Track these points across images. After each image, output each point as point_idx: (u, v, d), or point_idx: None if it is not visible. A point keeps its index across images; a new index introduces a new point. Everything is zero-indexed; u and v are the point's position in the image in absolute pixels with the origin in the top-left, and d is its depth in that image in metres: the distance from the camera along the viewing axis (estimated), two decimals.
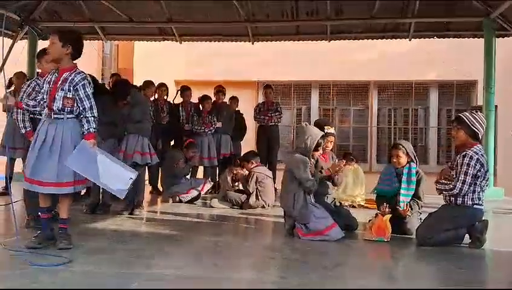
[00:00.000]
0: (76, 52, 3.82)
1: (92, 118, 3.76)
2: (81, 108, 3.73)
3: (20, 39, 9.87)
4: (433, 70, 11.68)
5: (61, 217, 3.80)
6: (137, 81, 9.64)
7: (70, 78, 3.73)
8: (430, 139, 12.35)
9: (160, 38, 10.27)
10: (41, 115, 3.93)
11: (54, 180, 3.60)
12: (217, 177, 8.20)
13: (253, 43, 9.99)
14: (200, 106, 8.09)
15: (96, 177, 3.72)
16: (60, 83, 3.71)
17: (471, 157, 4.24)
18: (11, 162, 6.43)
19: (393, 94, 12.59)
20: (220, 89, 8.43)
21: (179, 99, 8.29)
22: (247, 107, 9.53)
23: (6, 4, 8.45)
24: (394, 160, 4.98)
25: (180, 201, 6.81)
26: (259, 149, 8.52)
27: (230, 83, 10.03)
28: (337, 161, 5.19)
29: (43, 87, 3.83)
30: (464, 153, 4.30)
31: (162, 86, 7.92)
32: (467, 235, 4.39)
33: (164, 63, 11.96)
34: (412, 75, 11.95)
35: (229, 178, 6.96)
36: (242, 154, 7.43)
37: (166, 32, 10.08)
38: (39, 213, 4.29)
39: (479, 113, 4.51)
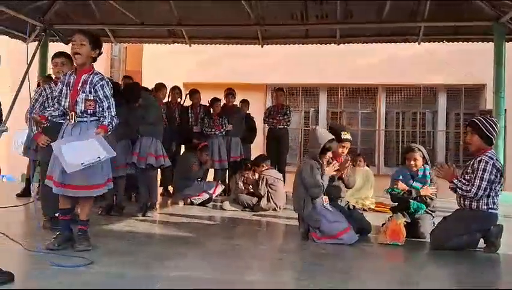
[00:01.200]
0: (98, 57, 3.88)
1: (110, 116, 3.77)
2: (99, 108, 3.75)
3: (32, 41, 10.03)
4: (441, 73, 11.67)
5: (81, 219, 3.82)
6: (146, 84, 9.70)
7: (89, 79, 3.75)
8: (438, 142, 12.35)
9: (170, 41, 10.32)
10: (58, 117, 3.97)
11: (84, 183, 3.63)
12: (227, 180, 8.23)
13: (262, 46, 10.03)
14: (210, 108, 8.13)
15: (59, 147, 3.55)
16: (80, 85, 3.73)
17: (486, 163, 4.26)
18: (33, 164, 6.50)
19: (401, 98, 12.60)
20: (230, 92, 8.47)
21: (188, 102, 8.34)
22: (255, 110, 9.52)
23: (18, 6, 8.59)
24: (411, 162, 5.01)
25: (192, 203, 6.84)
26: (269, 152, 8.57)
27: (239, 86, 10.05)
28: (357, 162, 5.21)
29: (60, 89, 3.83)
30: (479, 158, 4.32)
31: (175, 89, 8.00)
32: (481, 240, 4.40)
33: (172, 65, 12.01)
34: (420, 79, 11.95)
35: (240, 183, 7.00)
36: (252, 158, 7.46)
37: (176, 35, 10.13)
38: (57, 214, 4.34)
39: (492, 118, 4.54)
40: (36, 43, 3.25)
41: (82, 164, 3.48)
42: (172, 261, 3.69)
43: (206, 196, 6.92)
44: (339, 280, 3.38)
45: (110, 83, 3.88)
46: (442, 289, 3.32)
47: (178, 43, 10.28)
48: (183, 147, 8.29)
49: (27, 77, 3.29)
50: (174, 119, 7.81)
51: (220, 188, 7.24)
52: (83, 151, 3.52)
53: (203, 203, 6.90)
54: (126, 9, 9.03)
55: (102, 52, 3.93)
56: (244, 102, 8.82)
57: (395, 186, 5.00)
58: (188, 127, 8.06)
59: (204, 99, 8.29)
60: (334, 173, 4.77)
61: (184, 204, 6.93)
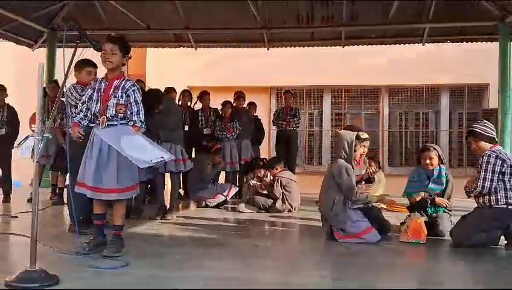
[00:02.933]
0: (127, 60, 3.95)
1: (139, 121, 3.81)
2: (129, 112, 3.78)
3: (38, 47, 10.08)
4: (444, 74, 11.79)
5: (116, 223, 3.83)
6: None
7: (121, 85, 3.80)
8: (441, 142, 12.43)
9: (176, 45, 10.41)
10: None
11: (115, 186, 3.66)
12: (237, 182, 8.29)
13: (268, 49, 10.13)
14: (221, 111, 8.20)
15: (117, 143, 3.52)
16: (111, 90, 3.78)
17: (488, 156, 4.37)
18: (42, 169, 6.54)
19: (404, 98, 12.71)
20: (240, 95, 8.53)
21: (198, 105, 8.39)
22: (259, 112, 9.55)
23: (26, 12, 8.64)
24: (427, 162, 5.08)
25: (207, 206, 6.91)
26: (278, 154, 8.63)
27: (243, 88, 10.09)
28: (368, 166, 5.29)
29: (90, 95, 3.88)
30: (483, 153, 4.44)
31: (186, 92, 8.05)
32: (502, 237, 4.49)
33: (176, 68, 12.06)
34: (422, 79, 12.06)
35: (253, 181, 7.05)
36: (266, 161, 7.51)
37: (182, 39, 10.20)
38: (81, 217, 4.40)
39: (484, 121, 4.70)
40: (61, 49, 3.29)
41: (151, 160, 3.50)
42: (203, 262, 3.74)
43: (221, 198, 6.99)
44: (372, 280, 3.45)
45: (140, 90, 3.94)
46: (477, 289, 3.37)
47: (184, 47, 10.36)
48: (193, 150, 8.34)
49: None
50: (186, 123, 7.85)
51: (233, 190, 7.31)
52: (143, 148, 3.55)
53: (217, 206, 6.97)
54: (133, 14, 9.09)
55: (131, 56, 3.99)
56: (252, 104, 8.92)
57: (412, 198, 5.10)
58: (198, 129, 8.12)
59: (219, 103, 8.35)
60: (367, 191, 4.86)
61: (198, 206, 7.00)
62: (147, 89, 6.17)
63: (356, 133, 4.83)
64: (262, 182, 6.89)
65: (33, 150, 7.09)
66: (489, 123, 4.60)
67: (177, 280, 3.25)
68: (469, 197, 4.62)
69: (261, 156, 9.01)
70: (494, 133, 4.54)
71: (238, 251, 4.28)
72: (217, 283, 3.19)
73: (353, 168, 4.88)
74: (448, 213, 5.13)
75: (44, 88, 6.73)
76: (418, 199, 5.04)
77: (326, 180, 4.77)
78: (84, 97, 3.93)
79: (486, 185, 4.32)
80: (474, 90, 12.26)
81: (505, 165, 4.35)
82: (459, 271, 3.87)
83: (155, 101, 5.63)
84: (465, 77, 11.47)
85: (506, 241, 4.44)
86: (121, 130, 3.69)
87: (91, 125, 3.86)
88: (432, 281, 3.48)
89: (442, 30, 9.44)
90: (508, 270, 3.83)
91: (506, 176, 4.36)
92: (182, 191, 7.97)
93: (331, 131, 12.72)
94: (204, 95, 8.30)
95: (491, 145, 4.49)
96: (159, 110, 5.70)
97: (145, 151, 3.54)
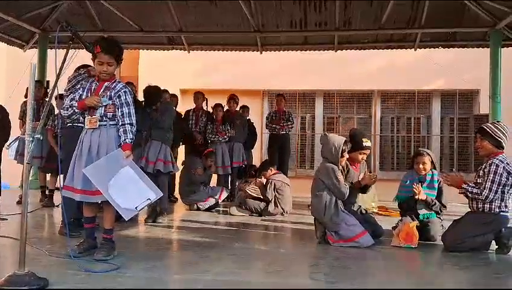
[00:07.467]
0: None
1: (129, 126, 3.75)
2: (119, 114, 3.74)
3: (30, 48, 10.01)
4: (435, 79, 11.87)
5: (106, 227, 3.79)
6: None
7: (112, 86, 3.79)
8: (432, 147, 12.50)
9: (169, 48, 10.38)
10: (79, 121, 4.06)
11: None
12: (229, 185, 8.27)
13: (261, 53, 10.13)
14: (213, 114, 8.18)
15: (105, 190, 3.53)
16: (101, 91, 3.77)
17: (497, 166, 4.37)
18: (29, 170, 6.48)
19: (396, 103, 12.76)
20: (232, 97, 8.52)
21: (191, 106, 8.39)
22: (252, 115, 9.53)
23: (19, 13, 8.59)
24: (420, 166, 5.09)
25: (198, 209, 6.89)
26: (271, 157, 8.62)
27: (236, 92, 10.08)
28: (367, 171, 5.28)
29: (80, 95, 3.84)
30: (490, 161, 4.43)
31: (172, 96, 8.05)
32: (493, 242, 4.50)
33: (170, 71, 12.01)
34: (414, 84, 12.13)
35: (242, 192, 7.02)
36: (258, 165, 7.50)
37: (175, 42, 10.18)
38: (81, 222, 4.35)
39: (500, 123, 4.67)
40: (54, 50, 3.25)
41: (136, 208, 3.59)
42: (201, 265, 3.70)
43: (212, 201, 6.97)
44: (368, 283, 3.45)
45: (132, 92, 3.92)
46: (472, 289, 3.39)
47: (177, 49, 10.34)
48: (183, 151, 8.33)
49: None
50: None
51: (225, 193, 7.28)
52: (130, 190, 3.58)
53: (209, 209, 6.94)
54: (126, 16, 9.06)
55: (122, 59, 3.97)
56: (245, 108, 8.92)
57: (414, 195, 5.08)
58: (189, 130, 8.09)
59: (210, 106, 8.33)
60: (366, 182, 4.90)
61: (190, 209, 6.97)
62: (145, 86, 6.12)
63: (344, 139, 4.84)
64: (256, 183, 6.84)
65: (17, 151, 7.13)
66: (504, 126, 4.56)
67: (175, 283, 3.24)
68: (461, 193, 4.59)
69: (254, 160, 9.03)
70: (504, 138, 4.49)
71: (234, 254, 4.24)
72: (216, 286, 3.18)
73: (348, 171, 4.92)
74: (439, 218, 5.14)
75: (27, 88, 6.68)
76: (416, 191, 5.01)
77: (315, 185, 4.76)
78: (72, 94, 3.88)
79: (491, 195, 4.34)
80: (465, 95, 12.34)
81: (510, 178, 4.38)
82: (454, 275, 3.85)
83: (155, 97, 5.61)
84: (456, 83, 11.54)
85: (497, 246, 4.46)
86: (110, 164, 3.60)
87: (76, 125, 3.83)
88: (427, 285, 3.48)
89: (434, 36, 9.52)
90: (501, 274, 3.84)
91: (506, 188, 4.39)
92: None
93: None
94: (197, 94, 8.29)
95: (497, 150, 4.48)
96: (156, 108, 5.69)
97: (132, 194, 3.58)
